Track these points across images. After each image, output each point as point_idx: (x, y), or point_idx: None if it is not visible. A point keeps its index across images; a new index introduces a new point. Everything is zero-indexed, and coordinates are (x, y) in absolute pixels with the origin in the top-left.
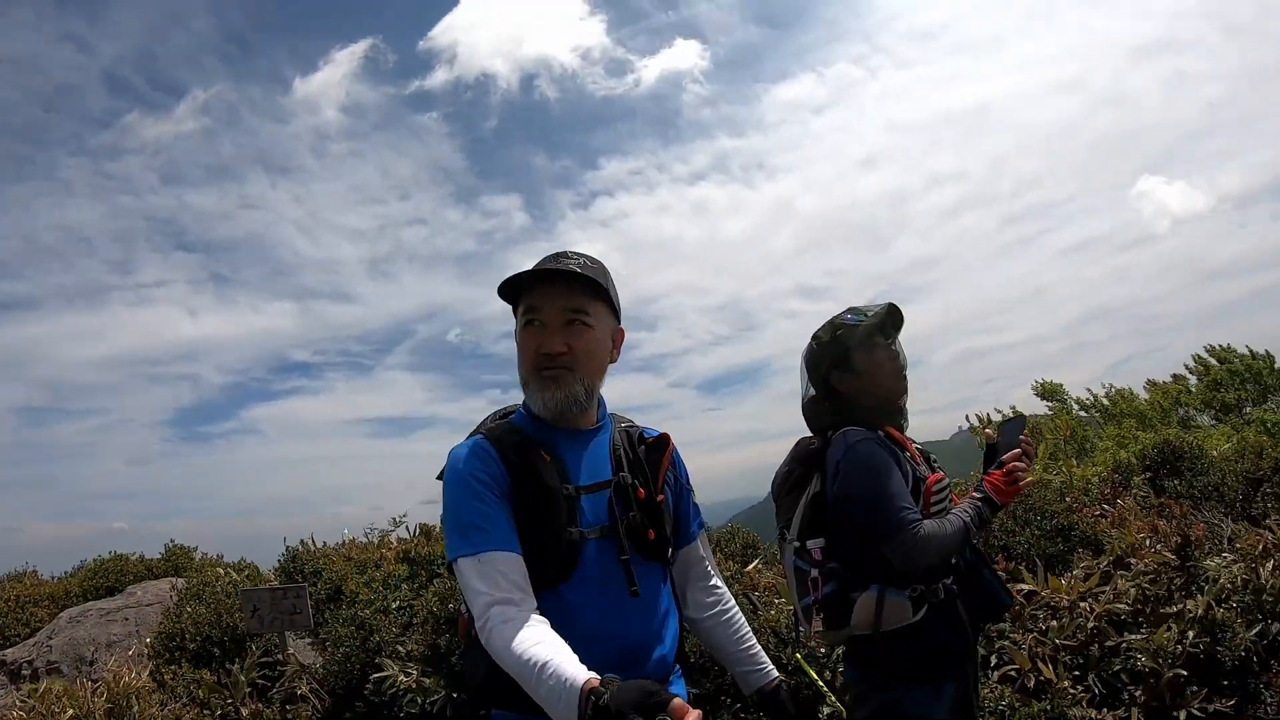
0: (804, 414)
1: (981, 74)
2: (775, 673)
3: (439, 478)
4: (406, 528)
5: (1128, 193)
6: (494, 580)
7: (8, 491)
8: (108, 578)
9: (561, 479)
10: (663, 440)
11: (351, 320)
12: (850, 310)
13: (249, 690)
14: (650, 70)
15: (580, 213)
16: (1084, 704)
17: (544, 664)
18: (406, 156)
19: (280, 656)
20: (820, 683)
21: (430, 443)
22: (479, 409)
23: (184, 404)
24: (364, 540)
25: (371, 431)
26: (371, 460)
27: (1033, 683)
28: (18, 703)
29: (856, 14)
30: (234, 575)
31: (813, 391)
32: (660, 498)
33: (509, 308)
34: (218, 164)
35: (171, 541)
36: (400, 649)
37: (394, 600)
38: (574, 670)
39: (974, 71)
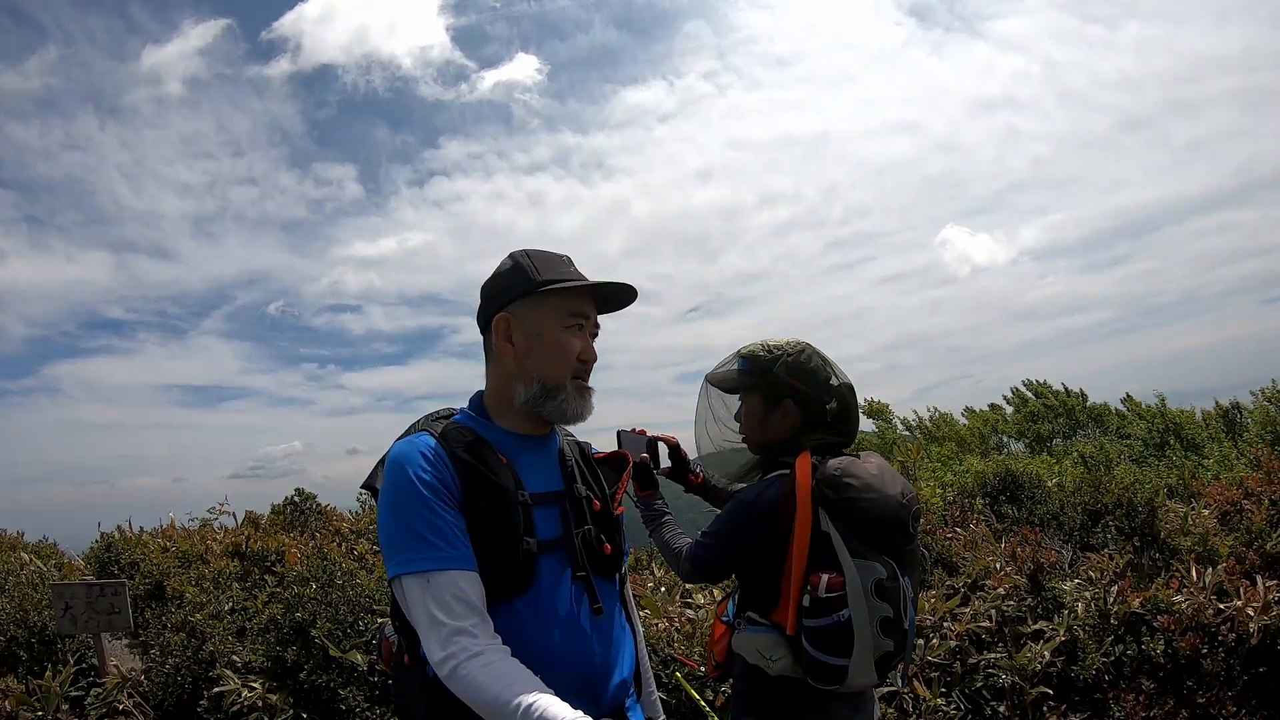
0: None
1: (826, 105)
2: (660, 711)
3: (366, 486)
4: (232, 515)
5: (934, 237)
6: (449, 606)
7: None
8: None
9: (517, 485)
10: (622, 457)
11: (169, 279)
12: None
13: (63, 703)
14: (486, 81)
15: (415, 190)
16: None
17: (528, 706)
18: (244, 111)
19: (95, 662)
20: (702, 702)
21: (240, 414)
22: (294, 383)
23: None
24: (186, 526)
25: (179, 400)
26: (176, 430)
27: (910, 704)
28: None
29: (716, 32)
30: (39, 564)
31: None
32: (620, 510)
33: (341, 281)
34: (46, 97)
35: None
36: (236, 659)
37: (225, 602)
38: (564, 712)
39: (820, 101)
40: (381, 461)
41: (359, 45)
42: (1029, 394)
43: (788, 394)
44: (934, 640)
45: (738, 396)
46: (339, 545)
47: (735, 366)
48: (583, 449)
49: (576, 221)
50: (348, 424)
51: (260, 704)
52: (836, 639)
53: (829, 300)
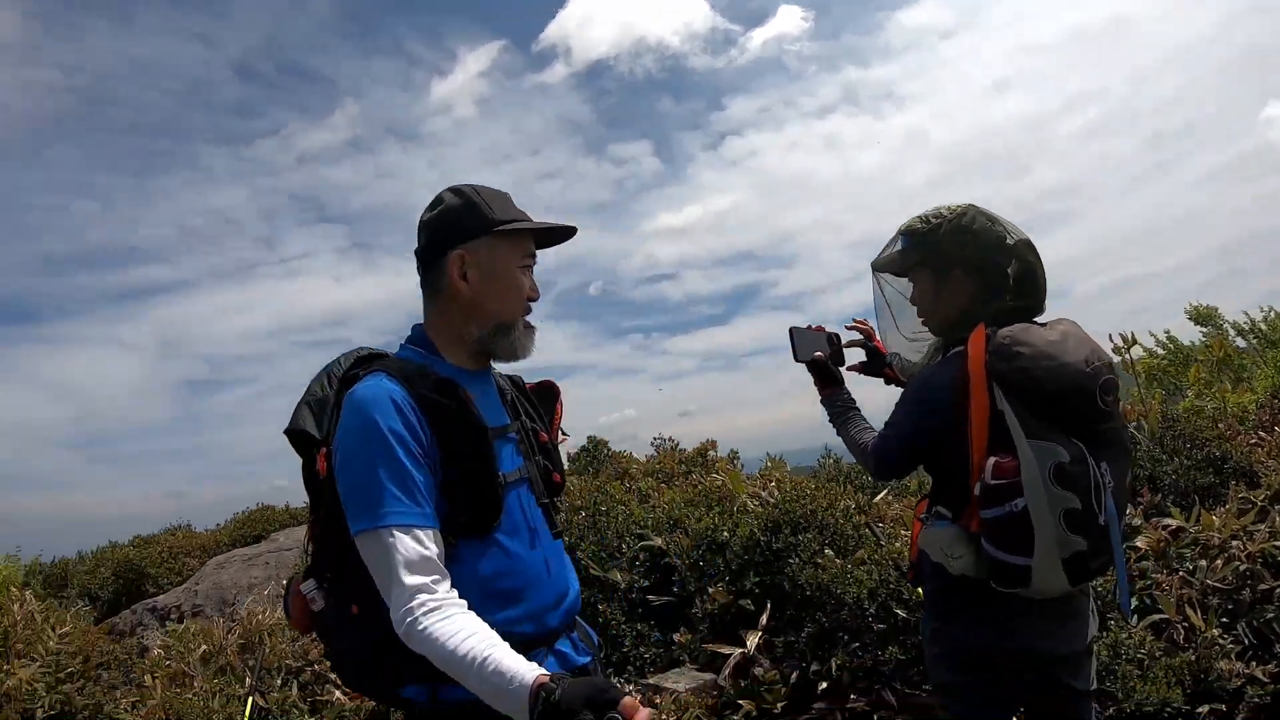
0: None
1: None
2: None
3: (288, 431)
4: None
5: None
6: (412, 564)
7: (178, 459)
8: (254, 527)
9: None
10: (551, 385)
11: None
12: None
13: None
14: (754, 41)
15: (710, 154)
16: (1232, 656)
17: (484, 658)
18: (534, 113)
19: None
20: None
21: (576, 389)
22: (623, 354)
23: None
24: None
25: None
26: None
27: (1181, 634)
28: (159, 641)
29: None
30: None
31: None
32: (563, 439)
33: (654, 253)
34: (351, 139)
35: None
36: None
37: None
38: (520, 665)
39: None
40: (307, 405)
41: (624, 36)
42: None
43: (956, 263)
44: (1218, 561)
45: (908, 279)
46: (622, 483)
47: (897, 246)
48: (515, 382)
49: (876, 159)
50: (677, 387)
51: None
52: (1013, 533)
53: (1150, 208)
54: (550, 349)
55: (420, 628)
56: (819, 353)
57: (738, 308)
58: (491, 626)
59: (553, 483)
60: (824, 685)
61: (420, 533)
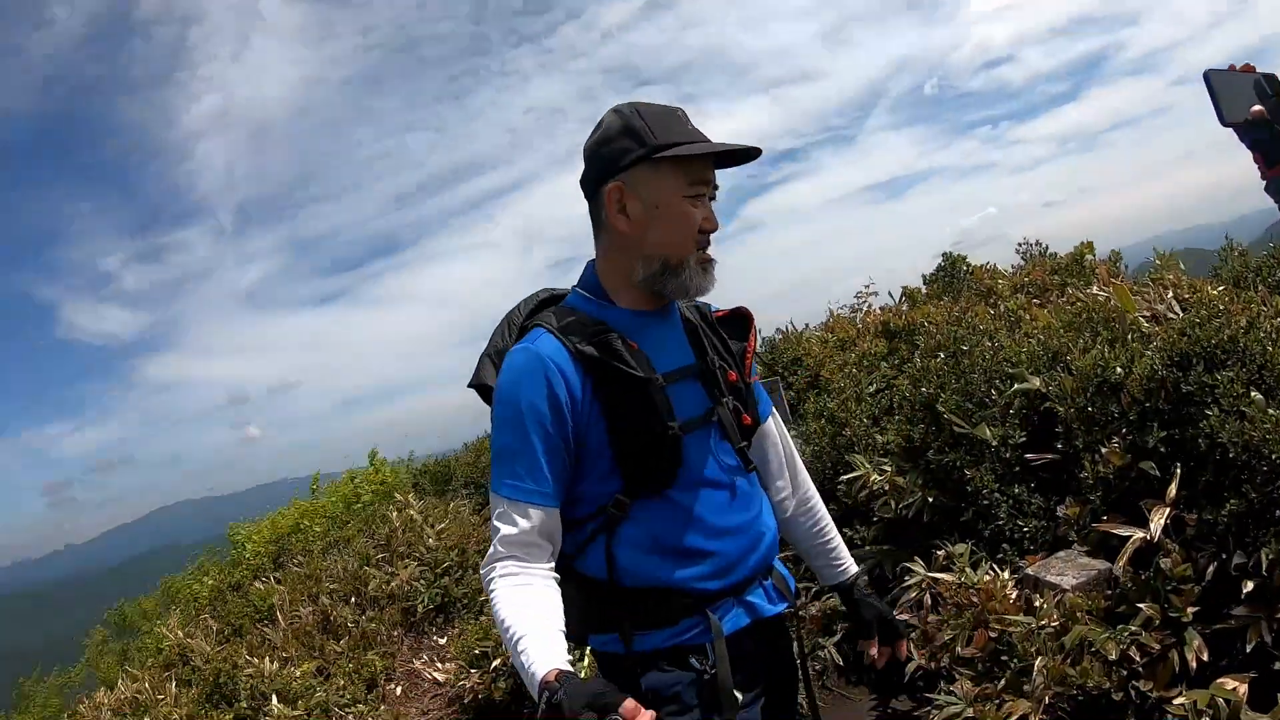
0: None
1: None
2: (854, 567)
3: (474, 384)
4: (890, 294)
5: None
6: (510, 533)
7: None
8: None
9: (650, 369)
10: (744, 314)
11: (822, 95)
12: None
13: None
14: None
15: None
16: None
17: (520, 638)
18: None
19: None
20: None
21: (927, 196)
22: (971, 150)
23: None
24: (847, 314)
25: (867, 199)
26: (872, 228)
27: None
28: None
29: None
30: None
31: None
32: (753, 378)
33: (985, 38)
34: (646, 1)
35: None
36: (877, 439)
37: (869, 384)
38: (538, 656)
39: None
40: (489, 357)
41: None
42: None
43: None
44: None
45: None
46: (986, 305)
47: None
48: (703, 313)
49: None
50: (1036, 177)
51: (888, 486)
52: None
53: None
54: (894, 160)
55: (492, 590)
56: (1257, 106)
57: (1085, 81)
58: (672, 584)
59: (744, 425)
60: (1249, 586)
61: (531, 509)
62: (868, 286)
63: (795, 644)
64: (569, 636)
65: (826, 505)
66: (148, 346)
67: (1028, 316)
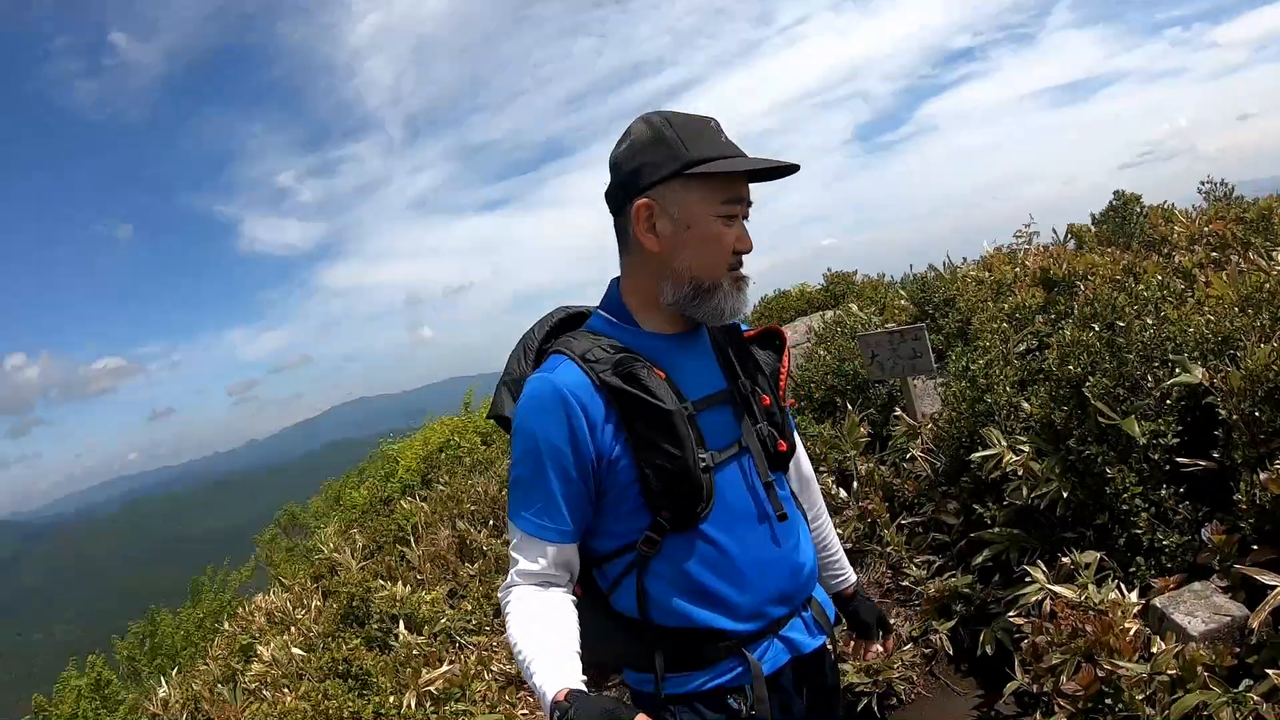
0: None
1: None
2: (853, 576)
3: (493, 416)
4: (1054, 231)
5: None
6: (526, 564)
7: None
8: (772, 317)
9: (678, 398)
10: (776, 333)
11: None
12: None
13: (865, 440)
14: None
15: None
16: None
17: (531, 660)
18: None
19: (900, 407)
20: None
21: (1114, 101)
22: (1161, 53)
23: (860, 120)
24: (1008, 250)
25: (1049, 102)
26: (1054, 133)
27: None
28: None
29: None
30: (859, 315)
31: None
32: (789, 402)
33: None
34: None
35: (829, 270)
36: (1023, 409)
37: (1018, 343)
38: (551, 675)
39: None
40: (505, 386)
41: None
42: None
43: None
44: None
45: None
46: (1158, 257)
47: None
48: (732, 333)
49: None
50: (1230, 85)
51: (1021, 471)
52: None
53: None
54: (1077, 62)
55: (507, 613)
56: None
57: None
58: (708, 625)
59: (778, 453)
60: None
61: (548, 546)
62: (1027, 225)
63: (834, 675)
64: (609, 669)
65: (956, 481)
66: (325, 254)
67: (1202, 279)
